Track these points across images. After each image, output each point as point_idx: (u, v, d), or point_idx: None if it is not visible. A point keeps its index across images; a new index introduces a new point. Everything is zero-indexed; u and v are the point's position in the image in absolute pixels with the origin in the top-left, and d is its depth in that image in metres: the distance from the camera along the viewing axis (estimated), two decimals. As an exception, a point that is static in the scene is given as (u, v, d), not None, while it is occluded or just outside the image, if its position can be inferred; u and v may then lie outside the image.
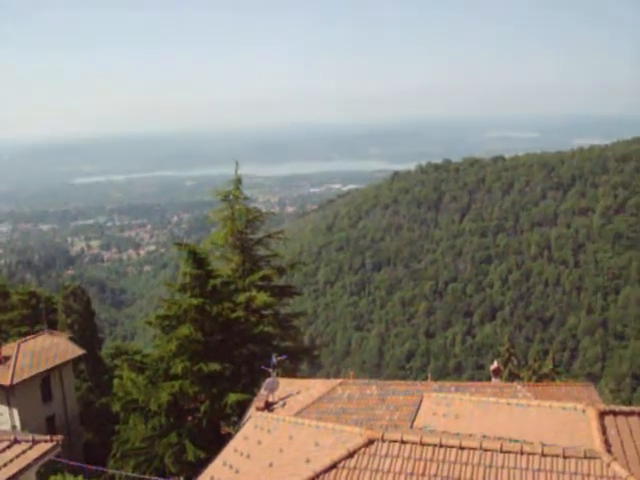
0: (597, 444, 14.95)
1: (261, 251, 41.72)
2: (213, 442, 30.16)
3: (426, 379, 30.58)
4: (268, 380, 25.37)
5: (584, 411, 16.72)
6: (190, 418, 34.17)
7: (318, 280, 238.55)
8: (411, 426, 18.67)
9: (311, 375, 45.43)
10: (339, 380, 26.86)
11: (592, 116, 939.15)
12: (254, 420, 21.44)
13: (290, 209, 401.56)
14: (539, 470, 14.31)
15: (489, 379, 32.08)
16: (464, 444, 15.09)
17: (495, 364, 32.97)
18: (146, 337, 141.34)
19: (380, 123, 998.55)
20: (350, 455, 15.27)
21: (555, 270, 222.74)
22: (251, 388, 32.43)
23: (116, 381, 35.60)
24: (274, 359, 26.25)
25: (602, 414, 16.49)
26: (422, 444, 15.25)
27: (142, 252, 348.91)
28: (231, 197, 40.80)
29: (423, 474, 14.69)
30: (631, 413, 17.10)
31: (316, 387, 26.05)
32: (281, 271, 41.50)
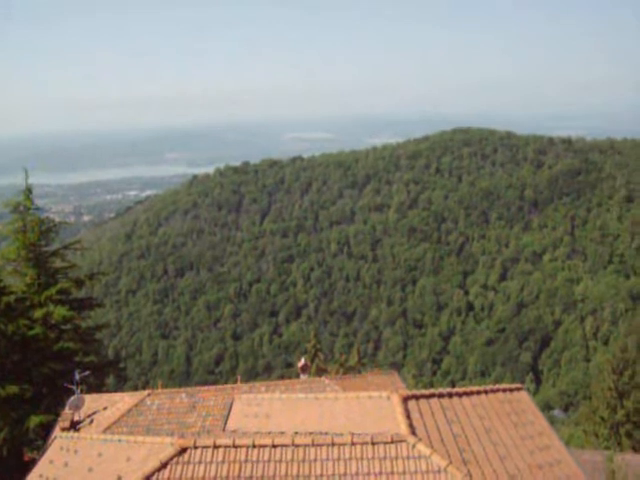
0: (402, 428, 15.63)
1: (57, 263, 39.77)
2: (16, 470, 28.45)
3: (236, 382, 30.57)
4: (72, 398, 24.28)
5: (389, 398, 17.39)
6: (-12, 447, 32.00)
7: (120, 290, 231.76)
8: (223, 430, 18.58)
9: (118, 389, 44.06)
10: (147, 391, 26.25)
11: (384, 116, 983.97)
12: (59, 441, 20.44)
13: (87, 218, 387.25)
14: (350, 459, 14.82)
15: (298, 376, 32.63)
16: (276, 442, 15.27)
17: (302, 361, 33.57)
18: None
19: (177, 127, 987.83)
20: (163, 466, 14.97)
21: (355, 265, 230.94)
22: (55, 408, 30.88)
23: None
24: (77, 376, 25.13)
25: (405, 399, 17.24)
26: (235, 447, 15.26)
27: None
28: (22, 208, 38.57)
29: (238, 476, 14.70)
30: (431, 395, 18.03)
31: (124, 400, 25.30)
32: (80, 283, 39.77)
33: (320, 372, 53.93)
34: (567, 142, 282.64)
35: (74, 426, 23.64)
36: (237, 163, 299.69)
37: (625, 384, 51.17)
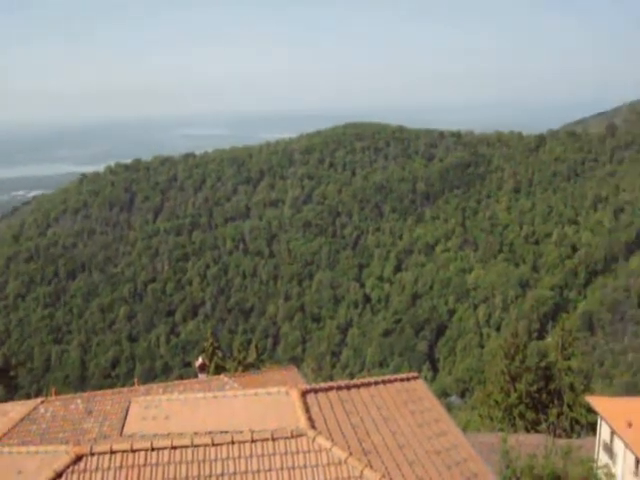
0: (302, 422, 15.71)
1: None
2: None
3: (133, 384, 30.04)
4: (-42, 410, 23.28)
5: (287, 393, 17.46)
6: None
7: (7, 294, 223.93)
8: (120, 434, 18.17)
9: (9, 398, 42.49)
10: (40, 399, 25.43)
11: (279, 111, 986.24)
12: (-56, 457, 19.53)
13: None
14: (251, 456, 14.79)
15: (196, 375, 32.39)
16: (175, 444, 15.05)
17: (200, 360, 33.35)
18: None
19: (65, 124, 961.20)
20: (58, 476, 14.48)
21: (251, 262, 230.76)
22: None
23: None
24: (-37, 386, 24.13)
25: (304, 393, 17.35)
26: (133, 451, 14.93)
27: None
28: None
29: (137, 481, 14.40)
30: (330, 388, 18.22)
31: (15, 410, 24.44)
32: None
33: (219, 370, 53.68)
34: (457, 135, 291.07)
35: (-39, 439, 22.66)
36: (128, 160, 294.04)
37: (517, 368, 53.14)
